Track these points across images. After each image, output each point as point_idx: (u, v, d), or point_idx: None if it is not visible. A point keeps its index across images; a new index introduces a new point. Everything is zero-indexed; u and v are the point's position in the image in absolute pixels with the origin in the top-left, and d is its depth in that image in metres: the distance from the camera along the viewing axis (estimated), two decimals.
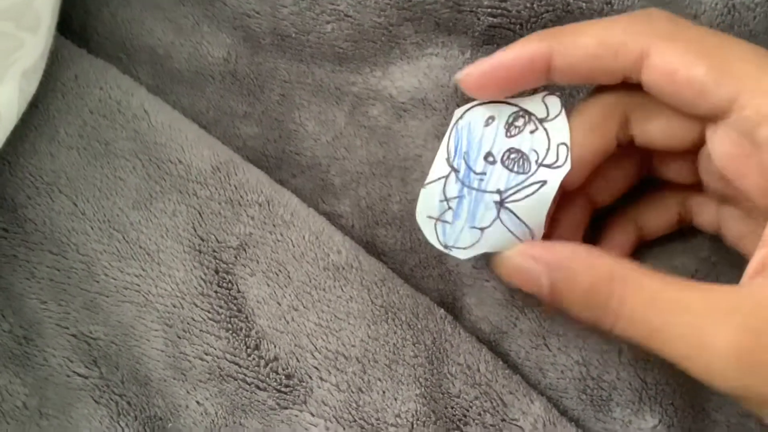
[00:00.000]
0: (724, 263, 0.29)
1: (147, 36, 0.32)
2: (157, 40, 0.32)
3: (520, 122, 0.26)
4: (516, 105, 0.26)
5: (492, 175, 0.26)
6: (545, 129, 0.25)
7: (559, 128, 0.25)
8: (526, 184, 0.25)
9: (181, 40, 0.32)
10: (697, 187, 0.27)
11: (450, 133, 0.26)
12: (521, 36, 0.30)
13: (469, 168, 0.26)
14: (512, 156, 0.25)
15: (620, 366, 0.29)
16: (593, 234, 0.29)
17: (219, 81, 0.32)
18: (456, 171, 0.26)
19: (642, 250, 0.29)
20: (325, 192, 0.31)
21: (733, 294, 0.21)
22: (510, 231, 0.25)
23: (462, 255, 0.26)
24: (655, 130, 0.25)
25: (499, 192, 0.25)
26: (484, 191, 0.26)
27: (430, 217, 0.26)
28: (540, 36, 0.25)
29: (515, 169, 0.25)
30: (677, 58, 0.22)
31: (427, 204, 0.26)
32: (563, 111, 0.26)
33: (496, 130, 0.26)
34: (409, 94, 0.31)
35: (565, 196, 0.27)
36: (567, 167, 0.25)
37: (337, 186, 0.31)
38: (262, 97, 0.32)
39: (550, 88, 0.26)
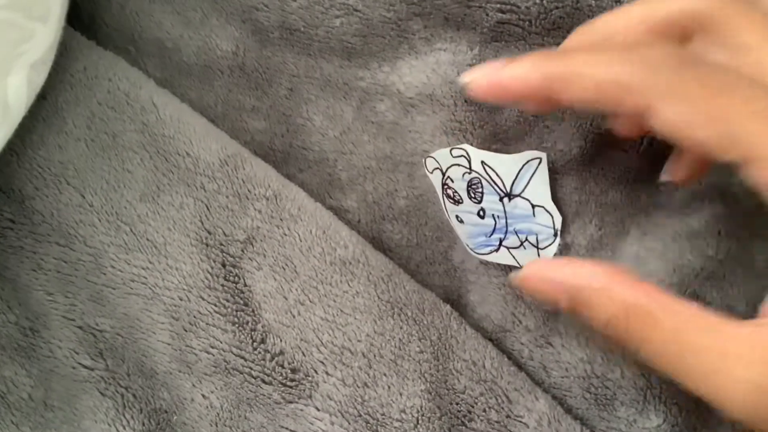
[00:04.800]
0: (731, 261, 0.29)
1: (155, 28, 0.32)
2: (165, 32, 0.32)
3: (475, 186, 0.28)
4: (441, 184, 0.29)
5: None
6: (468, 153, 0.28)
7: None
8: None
9: (189, 33, 0.32)
10: None
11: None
12: (529, 33, 0.30)
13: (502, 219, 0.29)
14: (474, 185, 0.28)
15: (625, 365, 0.29)
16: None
17: (227, 74, 0.32)
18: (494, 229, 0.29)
19: (649, 247, 0.29)
20: (332, 187, 0.31)
21: (749, 338, 0.22)
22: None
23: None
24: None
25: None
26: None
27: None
28: (543, 62, 0.24)
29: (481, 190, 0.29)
30: (680, 119, 0.22)
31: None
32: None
33: (468, 206, 0.29)
34: (416, 90, 0.31)
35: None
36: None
37: (344, 181, 0.31)
38: (270, 91, 0.32)
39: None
